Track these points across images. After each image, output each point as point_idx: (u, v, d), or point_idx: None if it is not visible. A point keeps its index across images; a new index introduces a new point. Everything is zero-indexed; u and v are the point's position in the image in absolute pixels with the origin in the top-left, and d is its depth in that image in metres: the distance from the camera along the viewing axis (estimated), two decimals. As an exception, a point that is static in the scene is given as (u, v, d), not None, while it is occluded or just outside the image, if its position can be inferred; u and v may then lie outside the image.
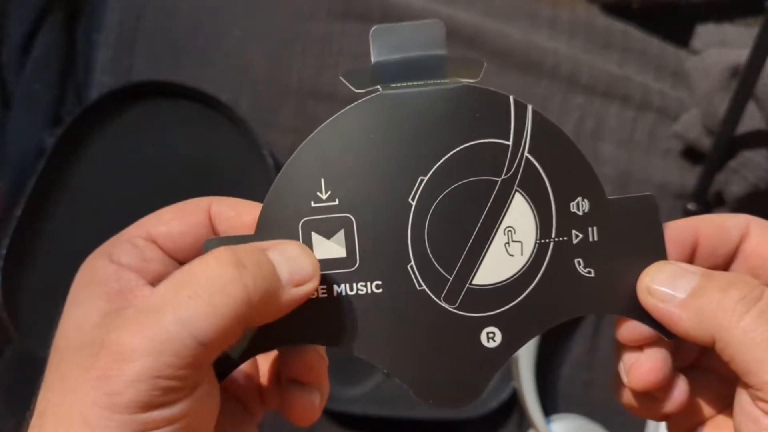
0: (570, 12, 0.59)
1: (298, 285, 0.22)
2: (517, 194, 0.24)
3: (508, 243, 0.24)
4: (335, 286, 0.24)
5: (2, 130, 0.54)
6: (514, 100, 0.24)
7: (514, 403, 0.54)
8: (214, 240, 0.24)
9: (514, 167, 0.24)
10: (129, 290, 0.23)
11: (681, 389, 0.25)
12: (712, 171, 0.53)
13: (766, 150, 0.53)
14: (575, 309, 0.24)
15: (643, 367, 0.24)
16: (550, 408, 0.54)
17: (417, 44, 0.25)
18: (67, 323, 0.22)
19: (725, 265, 0.25)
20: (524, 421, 0.54)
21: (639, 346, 0.25)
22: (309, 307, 0.23)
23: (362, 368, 0.55)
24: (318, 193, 0.24)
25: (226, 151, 0.55)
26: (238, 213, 0.24)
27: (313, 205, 0.24)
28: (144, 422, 0.19)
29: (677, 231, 0.25)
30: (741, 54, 0.49)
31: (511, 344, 0.24)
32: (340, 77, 0.25)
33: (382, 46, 0.25)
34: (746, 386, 0.22)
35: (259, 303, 0.21)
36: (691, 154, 0.57)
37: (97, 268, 0.23)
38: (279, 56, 0.58)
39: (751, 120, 0.52)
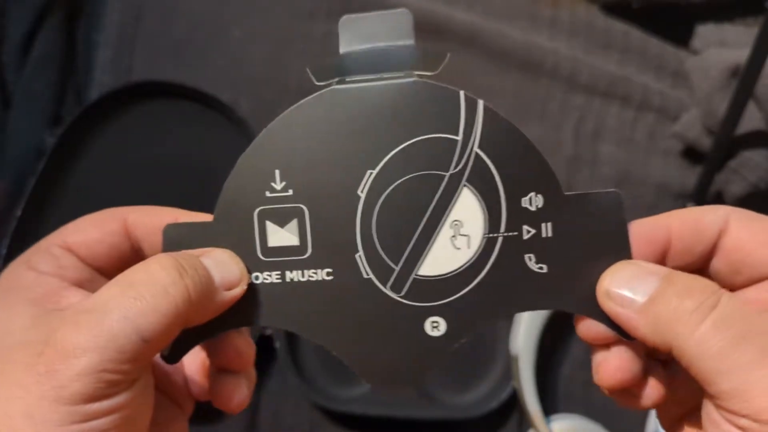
0: (570, 12, 0.59)
1: (228, 289, 0.24)
2: (465, 189, 0.24)
3: (454, 236, 0.24)
4: (288, 272, 0.25)
5: (2, 130, 0.54)
6: (465, 96, 0.24)
7: (514, 403, 0.54)
8: (172, 225, 0.25)
9: (463, 162, 0.24)
10: (54, 293, 0.24)
11: (653, 388, 0.25)
12: (712, 171, 0.53)
13: (766, 150, 0.53)
14: (525, 303, 0.24)
15: (610, 366, 0.24)
16: (550, 408, 0.54)
17: (385, 34, 0.25)
18: None
19: (704, 262, 0.25)
20: (524, 421, 0.54)
21: (606, 345, 0.24)
22: (265, 291, 0.25)
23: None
24: (273, 184, 0.25)
25: (226, 151, 0.55)
26: (156, 220, 0.25)
27: (267, 195, 0.25)
28: (87, 413, 0.20)
29: (645, 229, 0.24)
30: (741, 54, 0.49)
31: (455, 334, 0.24)
32: (307, 69, 0.25)
33: (350, 36, 0.25)
34: (707, 394, 0.22)
35: (198, 303, 0.22)
36: (691, 154, 0.57)
37: (16, 276, 0.24)
38: (279, 56, 0.58)
39: (751, 120, 0.52)
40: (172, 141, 0.56)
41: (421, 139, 0.24)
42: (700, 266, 0.25)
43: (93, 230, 0.25)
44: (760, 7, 0.54)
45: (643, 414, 0.52)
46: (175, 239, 0.25)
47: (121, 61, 0.58)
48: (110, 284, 0.22)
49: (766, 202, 0.54)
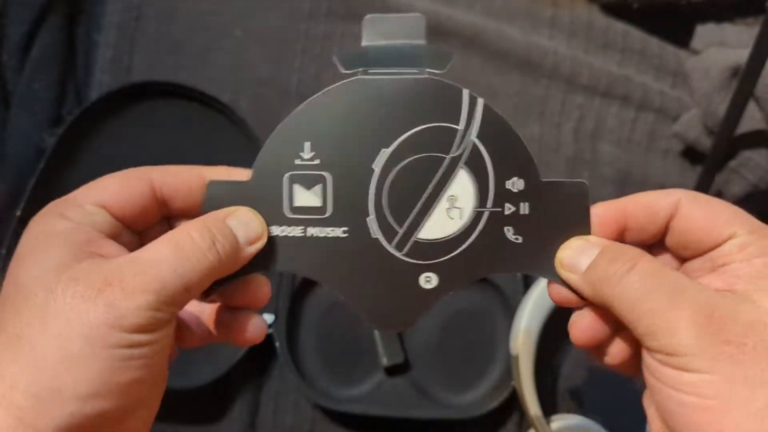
0: (570, 12, 0.59)
1: (252, 243, 0.28)
2: (461, 170, 0.29)
3: (450, 208, 0.29)
4: (309, 228, 0.30)
5: (2, 130, 0.54)
6: (468, 93, 0.29)
7: (514, 403, 0.54)
8: (215, 183, 0.29)
9: (462, 148, 0.29)
10: (93, 241, 0.27)
11: (618, 347, 0.29)
12: (712, 171, 0.53)
13: (766, 150, 0.53)
14: (503, 266, 0.30)
15: (580, 324, 0.29)
16: (550, 408, 0.54)
17: (401, 33, 0.30)
18: (28, 264, 0.26)
19: (659, 239, 0.29)
20: (524, 421, 0.54)
21: (580, 307, 0.29)
22: (288, 243, 0.29)
23: (362, 368, 0.55)
24: (302, 153, 0.29)
25: (226, 151, 0.55)
26: (181, 179, 0.30)
27: (297, 162, 0.29)
28: (136, 341, 0.25)
29: (603, 211, 0.29)
30: (741, 54, 0.49)
31: (444, 287, 0.30)
32: (332, 56, 0.29)
33: (372, 32, 0.30)
34: (644, 346, 0.26)
35: (227, 261, 0.27)
36: (691, 154, 0.57)
37: (52, 224, 0.27)
38: (279, 56, 0.58)
39: (751, 120, 0.52)
40: (172, 141, 0.56)
41: (428, 127, 0.29)
42: (657, 242, 0.29)
43: (122, 190, 0.29)
44: (760, 7, 0.54)
45: (643, 414, 0.52)
46: (216, 195, 0.29)
47: (121, 61, 0.58)
48: (162, 243, 0.26)
49: (766, 202, 0.54)
